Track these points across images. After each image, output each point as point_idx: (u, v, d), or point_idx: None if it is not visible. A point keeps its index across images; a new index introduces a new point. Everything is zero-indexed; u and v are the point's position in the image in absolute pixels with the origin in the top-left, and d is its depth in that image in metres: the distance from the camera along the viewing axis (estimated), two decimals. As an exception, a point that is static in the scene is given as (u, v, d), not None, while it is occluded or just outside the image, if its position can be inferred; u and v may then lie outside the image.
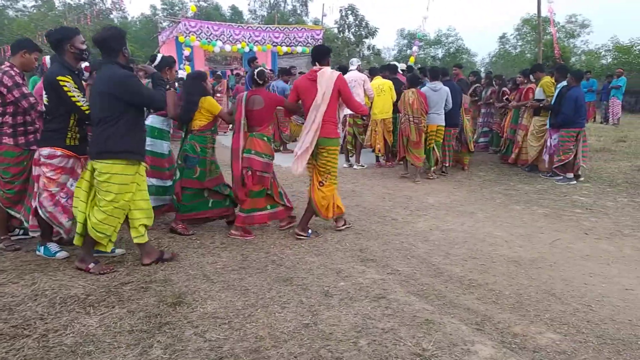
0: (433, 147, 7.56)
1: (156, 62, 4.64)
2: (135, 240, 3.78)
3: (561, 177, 7.38)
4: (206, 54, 16.87)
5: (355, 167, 8.49)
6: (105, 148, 3.47)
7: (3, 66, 3.87)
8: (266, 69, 10.88)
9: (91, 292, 3.31)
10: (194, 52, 15.20)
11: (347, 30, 34.74)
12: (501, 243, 4.66)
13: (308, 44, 16.56)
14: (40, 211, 3.73)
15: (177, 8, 40.33)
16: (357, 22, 34.51)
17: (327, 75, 4.47)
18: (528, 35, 33.92)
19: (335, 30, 32.98)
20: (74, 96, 3.58)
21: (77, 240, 3.69)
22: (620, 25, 46.09)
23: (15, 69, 3.88)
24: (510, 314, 3.20)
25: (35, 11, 36.27)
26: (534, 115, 8.01)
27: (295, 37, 16.44)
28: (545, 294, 3.53)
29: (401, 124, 7.47)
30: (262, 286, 3.51)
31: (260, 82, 4.66)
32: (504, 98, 9.24)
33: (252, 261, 4.01)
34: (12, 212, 4.08)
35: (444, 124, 7.54)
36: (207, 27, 15.49)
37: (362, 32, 34.93)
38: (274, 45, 16.17)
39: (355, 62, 8.50)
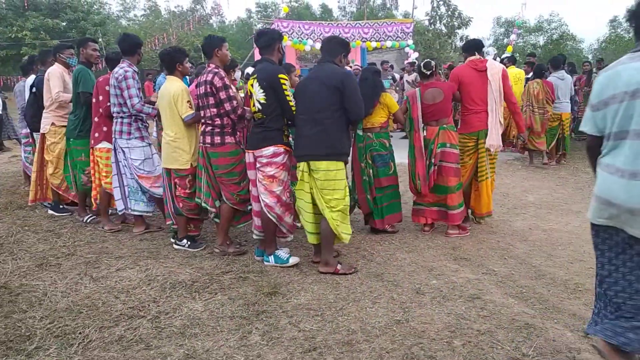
0: (564, 135, 7.83)
1: None
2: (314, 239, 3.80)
3: None
4: (297, 52, 17.27)
5: None
6: (334, 150, 3.52)
7: (210, 67, 3.85)
8: (354, 64, 10.83)
9: (196, 279, 3.58)
10: (285, 51, 15.65)
11: (438, 22, 33.65)
12: (612, 245, 4.27)
13: (398, 38, 16.31)
14: (269, 215, 3.68)
15: (270, 10, 41.79)
16: (449, 12, 33.28)
17: (496, 68, 4.46)
18: (645, 16, 30.45)
19: (427, 23, 32.10)
20: (288, 95, 3.61)
21: (312, 239, 3.80)
22: None
23: (220, 69, 3.84)
24: (622, 322, 2.94)
25: (144, 20, 39.61)
26: None
27: (384, 32, 16.24)
28: (666, 303, 3.18)
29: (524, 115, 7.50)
30: (353, 280, 3.56)
31: (428, 74, 4.51)
32: None
33: (343, 256, 4.06)
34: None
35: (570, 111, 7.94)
36: (299, 27, 15.85)
37: (455, 23, 33.62)
38: (363, 41, 16.10)
39: (491, 52, 8.49)
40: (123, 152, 4.41)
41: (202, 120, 3.95)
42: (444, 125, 4.44)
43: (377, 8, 40.30)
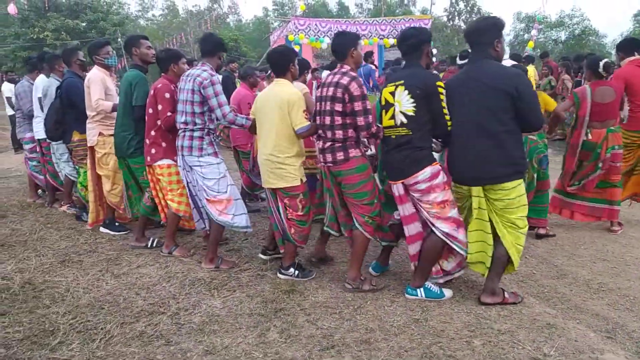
0: None
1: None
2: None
3: None
4: (314, 50, 17.27)
5: None
6: (517, 167, 2.96)
7: (345, 68, 3.27)
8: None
9: (215, 277, 3.61)
10: (302, 49, 15.67)
11: (457, 18, 33.34)
12: (636, 244, 4.18)
13: (415, 35, 16.26)
14: (454, 245, 3.08)
15: (287, 8, 41.85)
16: (468, 8, 32.95)
17: None
18: (671, 9, 29.69)
19: (445, 19, 31.83)
20: (445, 107, 3.03)
21: (482, 269, 3.17)
22: None
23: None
24: (648, 323, 2.87)
25: (162, 19, 40.08)
26: None
27: (402, 29, 16.21)
28: (693, 304, 3.11)
29: None
30: (370, 279, 3.54)
31: (605, 75, 4.39)
32: None
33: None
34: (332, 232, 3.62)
35: None
36: (315, 25, 15.88)
37: (474, 19, 33.30)
38: (380, 38, 16.05)
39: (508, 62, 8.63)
40: (193, 170, 3.71)
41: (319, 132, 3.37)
42: (611, 128, 4.36)
43: (395, 5, 40.04)
